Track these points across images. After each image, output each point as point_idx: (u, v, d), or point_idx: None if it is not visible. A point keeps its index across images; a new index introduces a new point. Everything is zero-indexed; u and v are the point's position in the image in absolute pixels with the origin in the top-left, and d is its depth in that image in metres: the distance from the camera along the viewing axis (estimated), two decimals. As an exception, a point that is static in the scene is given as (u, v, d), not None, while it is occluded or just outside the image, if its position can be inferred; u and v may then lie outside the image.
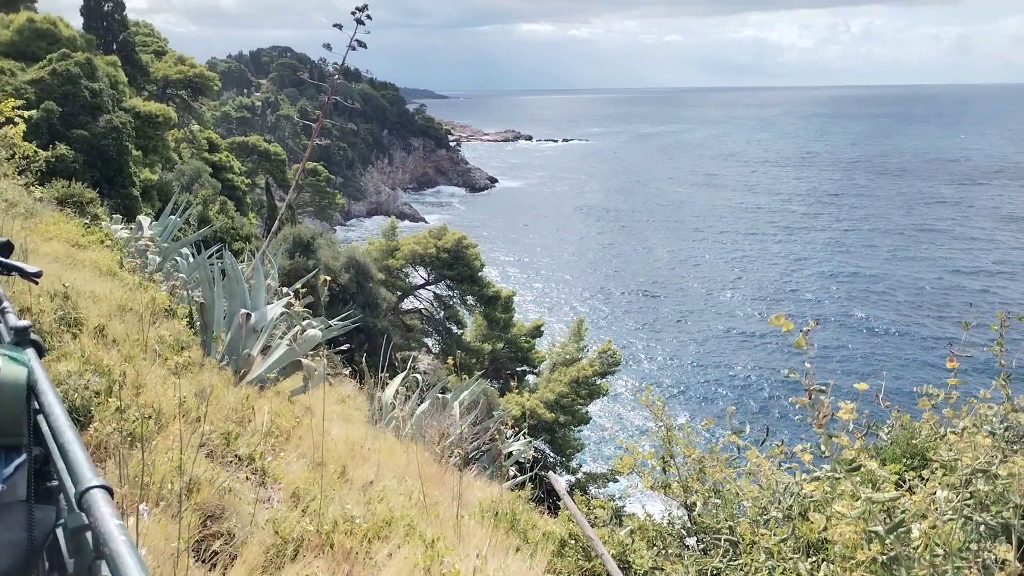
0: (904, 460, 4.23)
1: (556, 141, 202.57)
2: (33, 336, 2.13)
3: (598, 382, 24.66)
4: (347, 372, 13.56)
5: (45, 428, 1.89)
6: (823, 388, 3.15)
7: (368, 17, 13.58)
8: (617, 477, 22.69)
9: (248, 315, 6.88)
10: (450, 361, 12.04)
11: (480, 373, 17.28)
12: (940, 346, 43.22)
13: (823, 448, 3.19)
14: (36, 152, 9.71)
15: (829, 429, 3.17)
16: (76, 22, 39.12)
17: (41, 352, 2.14)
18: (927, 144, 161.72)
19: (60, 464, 1.74)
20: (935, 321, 48.61)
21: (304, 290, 9.92)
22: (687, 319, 52.13)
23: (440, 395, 9.20)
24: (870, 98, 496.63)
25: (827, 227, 78.94)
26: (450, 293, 30.05)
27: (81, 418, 3.65)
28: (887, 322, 49.06)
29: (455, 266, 28.43)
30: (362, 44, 13.64)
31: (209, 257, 9.09)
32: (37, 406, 1.91)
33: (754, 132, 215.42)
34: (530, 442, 11.26)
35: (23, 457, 1.84)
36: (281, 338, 7.77)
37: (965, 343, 3.75)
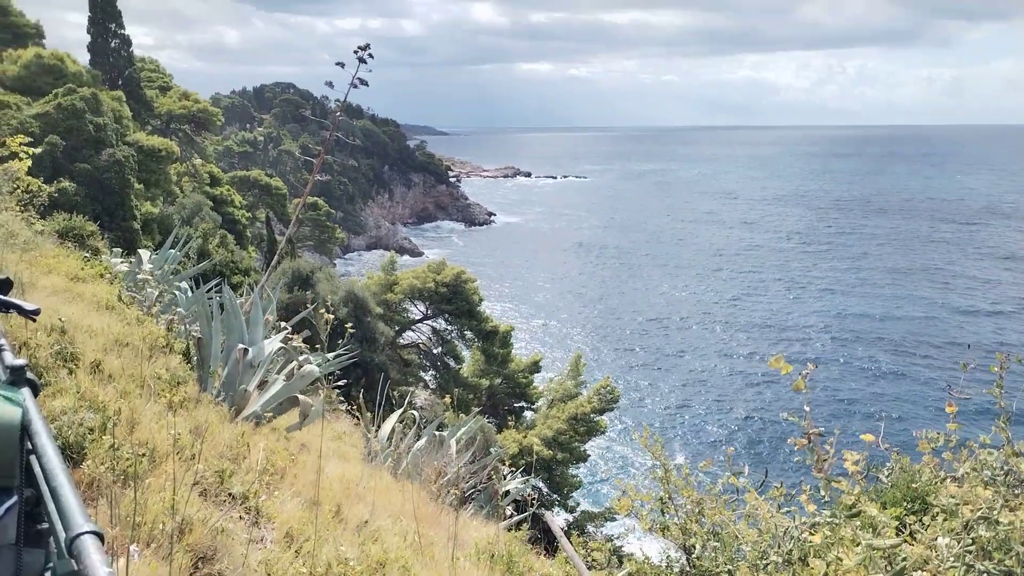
0: (905, 504, 4.19)
1: (555, 178, 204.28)
2: (29, 375, 2.11)
3: (596, 419, 24.47)
4: (344, 407, 13.46)
5: (37, 469, 1.86)
6: (822, 432, 3.14)
7: (370, 56, 13.77)
8: (615, 516, 22.40)
9: (245, 350, 6.85)
10: (447, 399, 11.96)
11: (478, 410, 17.16)
12: (939, 387, 43.09)
13: (823, 493, 3.16)
14: (40, 187, 9.77)
15: (829, 474, 3.14)
16: (84, 58, 39.74)
17: (36, 391, 2.12)
18: (922, 183, 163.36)
19: (51, 507, 1.71)
20: (933, 362, 48.50)
21: (303, 331, 9.91)
22: (686, 357, 52.00)
23: (437, 432, 9.13)
24: (865, 138, 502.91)
25: (824, 266, 79.23)
26: (448, 327, 29.98)
27: (75, 455, 3.61)
28: (885, 363, 48.95)
29: (453, 300, 28.42)
30: (364, 82, 13.81)
31: (208, 291, 9.08)
32: (30, 447, 1.89)
33: (750, 170, 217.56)
34: (527, 480, 11.14)
35: (14, 499, 1.82)
36: (278, 373, 7.73)
37: (964, 385, 3.74)
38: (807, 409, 3.16)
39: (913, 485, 4.29)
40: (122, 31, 41.78)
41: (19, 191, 9.54)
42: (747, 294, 68.18)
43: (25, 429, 1.87)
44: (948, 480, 3.29)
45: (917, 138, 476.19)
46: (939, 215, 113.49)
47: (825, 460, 3.07)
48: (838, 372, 46.89)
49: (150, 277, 9.39)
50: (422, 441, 8.76)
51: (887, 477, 4.41)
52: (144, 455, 3.79)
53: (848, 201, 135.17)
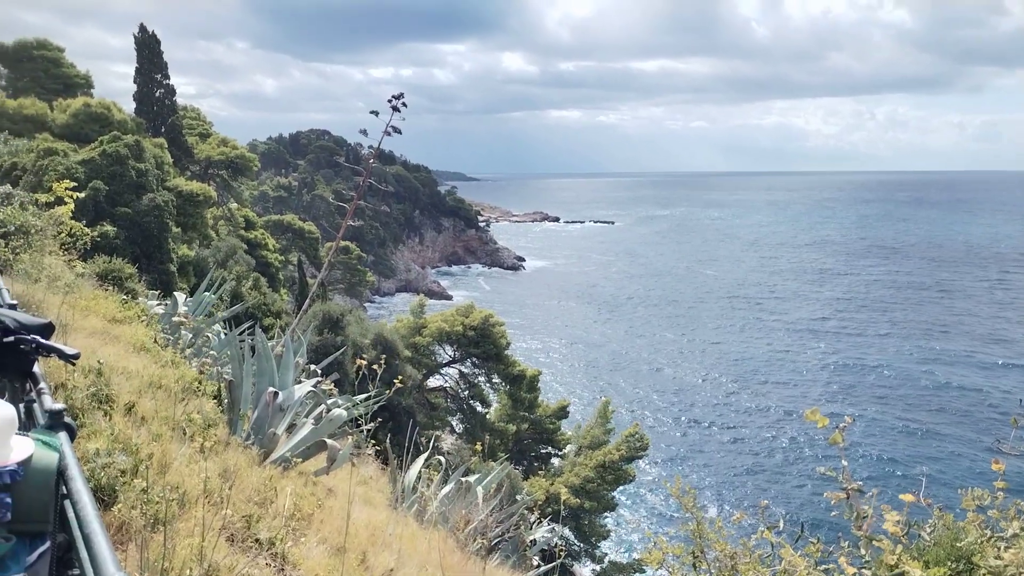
0: (949, 564, 4.01)
1: (583, 222, 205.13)
2: (66, 419, 2.15)
3: (625, 467, 24.04)
4: (370, 451, 13.41)
5: (71, 514, 1.88)
6: (862, 488, 3.04)
7: (404, 104, 14.10)
8: (644, 568, 21.81)
9: (275, 393, 6.89)
10: (478, 447, 11.86)
11: (505, 456, 16.99)
12: (975, 443, 41.71)
13: (863, 551, 3.05)
14: (83, 231, 10.05)
15: (868, 531, 3.03)
16: (129, 106, 41.29)
17: (73, 435, 2.16)
18: (955, 229, 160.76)
19: (83, 554, 1.72)
20: (970, 417, 46.98)
21: (332, 374, 9.96)
22: (717, 406, 51.11)
23: (463, 478, 9.03)
24: (896, 183, 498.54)
25: (857, 316, 77.65)
26: (475, 371, 29.91)
27: (106, 498, 3.63)
28: (925, 415, 47.54)
29: (481, 344, 28.40)
30: (397, 130, 14.12)
31: (240, 334, 9.20)
32: (65, 491, 1.91)
33: (779, 216, 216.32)
34: (554, 529, 10.93)
35: (47, 545, 1.83)
36: (307, 416, 7.75)
37: (1014, 442, 3.61)
38: (844, 464, 3.07)
39: (958, 544, 4.12)
40: (167, 81, 43.40)
41: (63, 235, 9.83)
42: (781, 343, 67.10)
43: (61, 474, 1.89)
44: (995, 540, 3.15)
45: (950, 183, 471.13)
46: (974, 262, 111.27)
47: (865, 517, 2.97)
48: (874, 426, 45.60)
49: (185, 320, 9.55)
50: (448, 487, 8.67)
51: (929, 535, 4.25)
52: (174, 500, 3.80)
53: (880, 248, 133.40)
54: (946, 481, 34.17)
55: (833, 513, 3.53)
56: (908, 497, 3.12)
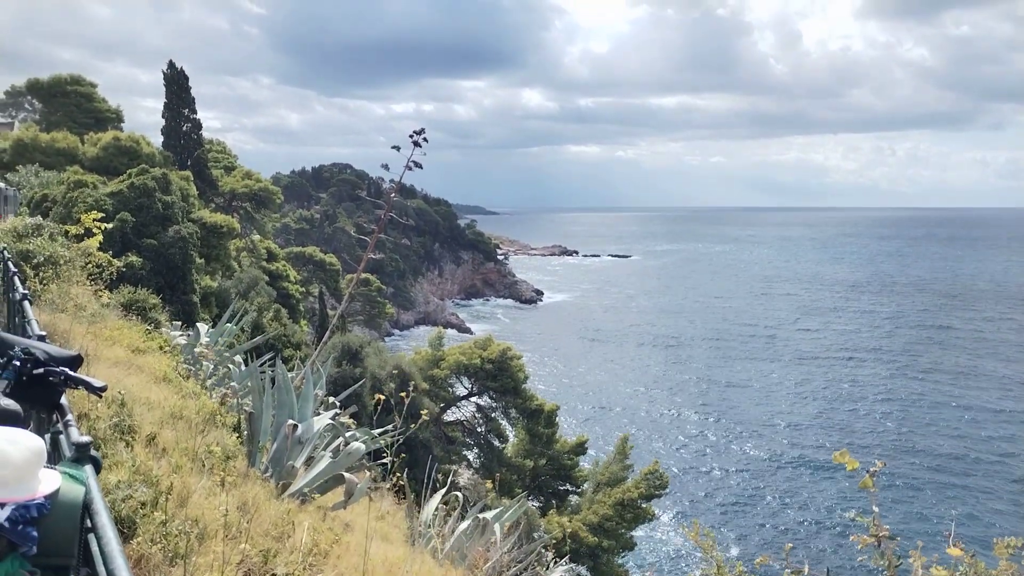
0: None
1: (600, 256, 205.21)
2: (92, 452, 2.16)
3: (644, 505, 23.66)
4: (387, 485, 13.32)
5: (94, 548, 1.88)
6: (893, 536, 2.96)
7: (425, 140, 14.29)
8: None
9: (295, 426, 6.90)
10: (489, 484, 11.75)
11: (523, 493, 16.79)
12: (1007, 490, 40.63)
13: (894, 600, 2.95)
14: (110, 262, 10.22)
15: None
16: (157, 140, 42.23)
17: (98, 468, 2.16)
18: (989, 268, 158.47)
19: (106, 590, 1.72)
20: (998, 462, 45.81)
21: (351, 406, 9.96)
22: (739, 444, 50.32)
23: (481, 515, 8.92)
24: (917, 219, 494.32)
25: (887, 355, 76.35)
26: (493, 405, 29.74)
27: (125, 530, 3.63)
28: (955, 459, 46.39)
29: (499, 377, 28.28)
30: (418, 165, 14.28)
31: (261, 365, 9.24)
32: (90, 525, 1.91)
33: (803, 252, 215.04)
34: (572, 568, 10.74)
35: (70, 579, 1.83)
36: (325, 449, 7.73)
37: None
38: (875, 510, 3.00)
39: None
40: (194, 115, 44.41)
41: (90, 266, 10.00)
42: (805, 381, 66.20)
43: (86, 508, 1.90)
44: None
45: (973, 220, 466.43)
46: (1009, 302, 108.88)
47: (897, 565, 2.89)
48: (896, 470, 44.52)
49: (206, 351, 9.62)
50: (465, 524, 8.57)
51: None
52: (193, 533, 3.79)
53: (904, 285, 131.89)
54: (974, 530, 33.17)
55: (860, 558, 3.44)
56: (955, 551, 3.02)
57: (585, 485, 27.30)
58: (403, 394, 6.79)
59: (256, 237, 45.73)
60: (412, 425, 8.57)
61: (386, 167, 14.90)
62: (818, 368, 70.70)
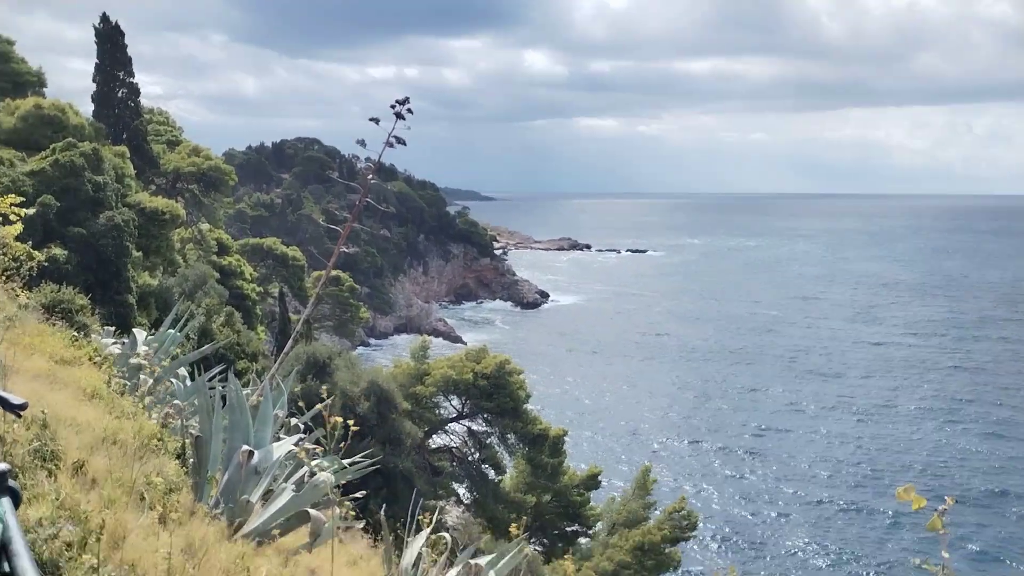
0: None
1: (619, 252, 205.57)
2: (11, 483, 2.16)
3: (668, 550, 23.71)
4: (361, 524, 13.33)
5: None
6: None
7: (409, 111, 14.28)
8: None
9: (250, 453, 6.90)
10: (484, 524, 11.79)
11: (523, 535, 16.81)
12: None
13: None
14: (30, 255, 10.23)
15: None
16: (87, 108, 42.21)
17: (18, 501, 2.16)
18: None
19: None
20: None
21: (316, 429, 9.97)
22: (779, 477, 50.39)
23: (473, 560, 8.94)
24: (1003, 210, 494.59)
25: (959, 370, 76.44)
26: (488, 429, 29.78)
27: (50, 575, 3.64)
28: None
29: (495, 396, 28.31)
30: (401, 141, 14.27)
31: (210, 380, 9.25)
32: (7, 568, 1.91)
33: (861, 248, 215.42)
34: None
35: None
36: (286, 481, 7.74)
37: None
38: (946, 555, 3.01)
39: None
40: (131, 79, 44.39)
41: (7, 258, 10.00)
42: (859, 402, 66.26)
43: (4, 549, 1.90)
44: None
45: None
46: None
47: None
48: (976, 505, 44.52)
49: (145, 362, 9.62)
50: (455, 571, 8.58)
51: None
52: (129, 580, 3.80)
53: (981, 287, 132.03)
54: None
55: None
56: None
57: (598, 526, 27.33)
58: (351, 422, 6.81)
59: (205, 226, 45.73)
60: (384, 449, 8.62)
61: (362, 143, 14.87)
62: (873, 386, 70.80)
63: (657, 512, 25.61)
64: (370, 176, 15.38)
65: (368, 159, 15.33)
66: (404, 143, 14.20)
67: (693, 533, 25.27)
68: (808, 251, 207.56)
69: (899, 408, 64.50)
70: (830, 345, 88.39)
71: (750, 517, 44.64)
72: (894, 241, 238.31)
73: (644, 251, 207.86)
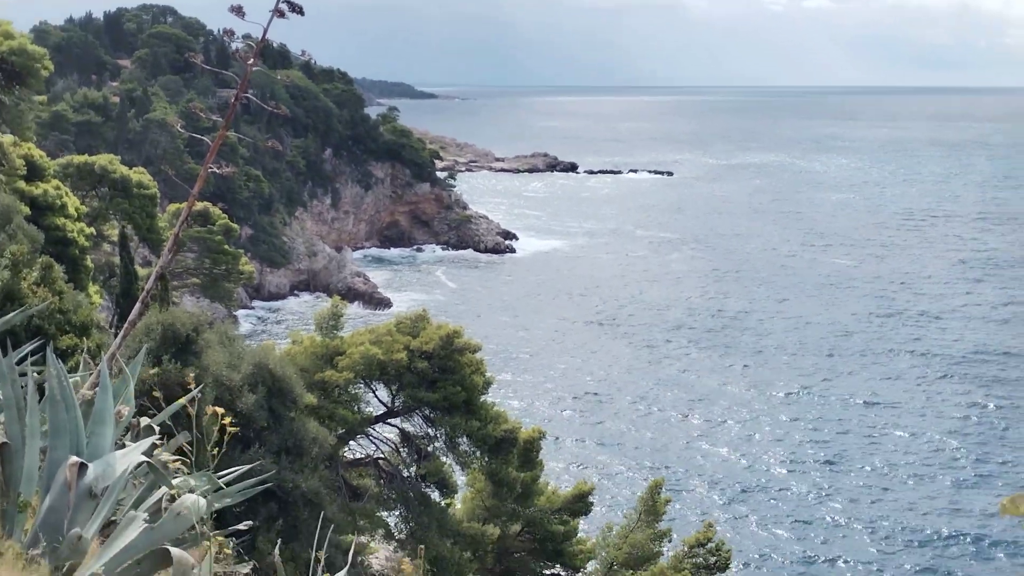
0: None
1: (618, 172, 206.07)
2: None
3: (688, 599, 24.16)
4: (246, 569, 13.41)
5: None
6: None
7: (309, -37, 14.07)
8: None
9: (82, 467, 6.87)
10: (420, 568, 11.95)
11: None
12: None
13: None
14: None
15: None
16: None
17: None
18: None
19: None
20: None
21: (179, 433, 9.98)
22: (828, 482, 51.46)
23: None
24: None
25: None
26: (430, 432, 29.91)
27: None
28: None
29: (440, 384, 28.38)
30: (296, 9, 14.06)
31: (19, 362, 9.16)
32: None
33: (953, 166, 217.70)
34: None
35: None
36: (135, 508, 7.73)
37: None
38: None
39: None
40: None
41: None
42: (933, 386, 67.60)
43: None
44: None
45: None
46: None
47: None
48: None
49: (-78, 336, 9.51)
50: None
51: None
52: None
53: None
54: None
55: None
56: None
57: (590, 566, 27.71)
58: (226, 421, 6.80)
59: (7, 138, 45.03)
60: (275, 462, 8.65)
61: (238, 11, 14.65)
62: (955, 369, 72.06)
63: (673, 544, 26.02)
64: (251, 62, 15.17)
65: (247, 37, 15.09)
66: (302, 12, 14.00)
67: (724, 572, 25.75)
68: (875, 169, 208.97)
69: (986, 398, 65.85)
70: (893, 305, 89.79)
71: (801, 548, 45.59)
72: (1007, 156, 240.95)
73: (654, 172, 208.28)
